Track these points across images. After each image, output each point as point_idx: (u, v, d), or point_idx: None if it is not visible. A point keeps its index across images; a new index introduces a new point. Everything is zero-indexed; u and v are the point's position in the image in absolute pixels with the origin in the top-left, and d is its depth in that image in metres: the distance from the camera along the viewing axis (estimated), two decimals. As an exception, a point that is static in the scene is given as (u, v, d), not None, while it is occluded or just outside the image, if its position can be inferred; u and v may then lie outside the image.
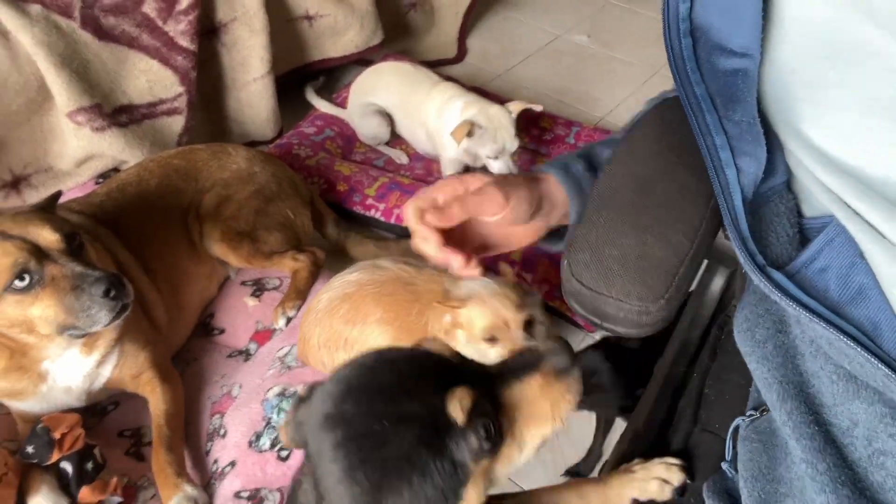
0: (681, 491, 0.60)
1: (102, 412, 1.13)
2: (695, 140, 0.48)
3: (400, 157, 1.77)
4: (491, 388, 0.44)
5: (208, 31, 1.58)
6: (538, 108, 1.55)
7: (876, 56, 0.38)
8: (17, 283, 0.86)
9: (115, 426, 1.11)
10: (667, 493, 0.59)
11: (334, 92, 1.94)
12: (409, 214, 0.56)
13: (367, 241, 1.53)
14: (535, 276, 1.47)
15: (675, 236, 0.49)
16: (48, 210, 1.00)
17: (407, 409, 0.42)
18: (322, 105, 1.85)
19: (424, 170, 1.73)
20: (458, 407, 0.41)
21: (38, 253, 0.88)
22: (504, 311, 0.98)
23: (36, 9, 1.34)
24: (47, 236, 0.89)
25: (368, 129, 1.75)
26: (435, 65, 2.13)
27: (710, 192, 0.49)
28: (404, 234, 1.55)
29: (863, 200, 0.42)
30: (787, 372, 0.48)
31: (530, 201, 0.57)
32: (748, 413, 0.55)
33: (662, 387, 0.67)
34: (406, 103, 1.68)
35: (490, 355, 0.98)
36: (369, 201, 1.59)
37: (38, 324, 0.90)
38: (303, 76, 1.89)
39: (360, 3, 1.82)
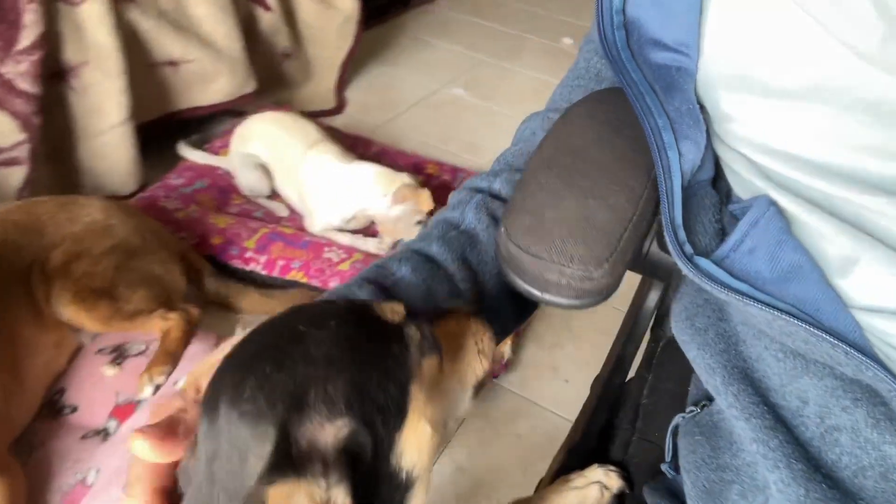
0: (619, 500, 0.57)
1: None
2: (631, 117, 0.46)
3: (279, 210, 1.66)
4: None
5: (54, 73, 1.42)
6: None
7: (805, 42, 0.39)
8: None
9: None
10: (606, 500, 0.56)
11: (206, 142, 1.81)
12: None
13: (251, 291, 1.39)
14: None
15: (617, 200, 0.45)
16: None
17: (329, 324, 0.34)
18: (196, 156, 1.71)
19: (307, 220, 1.63)
20: (391, 309, 0.37)
21: None
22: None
23: None
24: None
25: (247, 180, 1.63)
26: (315, 115, 2.06)
27: (649, 165, 0.47)
28: (288, 286, 1.43)
29: (804, 174, 0.41)
30: (730, 357, 0.46)
31: None
32: (688, 409, 0.53)
33: (599, 400, 0.62)
34: (281, 161, 1.60)
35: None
36: (248, 254, 1.46)
37: None
38: (170, 126, 1.75)
39: (228, 49, 1.72)
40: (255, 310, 1.37)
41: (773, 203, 0.42)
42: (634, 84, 0.47)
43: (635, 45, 0.48)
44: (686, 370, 0.54)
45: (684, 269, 0.43)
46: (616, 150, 0.49)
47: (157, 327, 1.17)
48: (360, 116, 2.15)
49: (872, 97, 0.37)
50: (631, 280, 0.59)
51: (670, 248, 0.43)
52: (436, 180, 1.80)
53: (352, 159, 1.56)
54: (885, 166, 0.38)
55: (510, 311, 0.53)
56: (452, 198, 0.57)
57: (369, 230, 1.60)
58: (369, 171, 1.49)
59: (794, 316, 0.39)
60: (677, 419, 0.53)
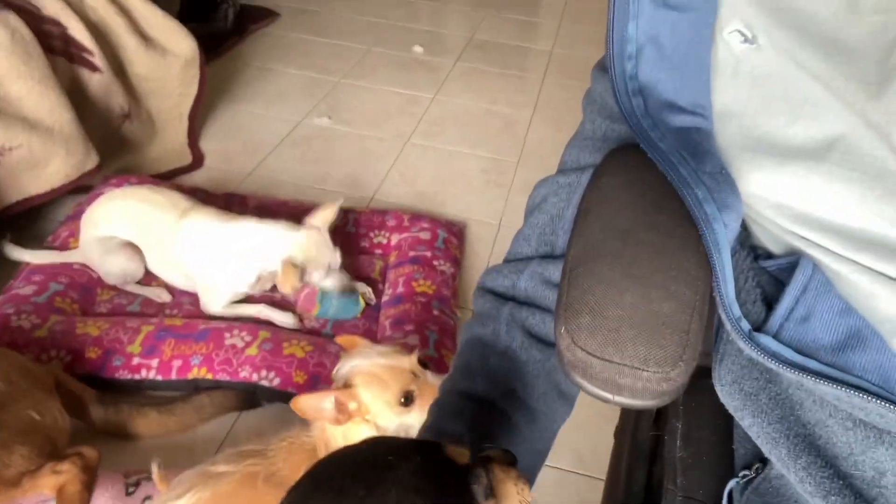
0: None
1: None
2: (666, 187, 0.45)
3: (161, 295, 1.47)
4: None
5: None
6: (337, 205, 1.40)
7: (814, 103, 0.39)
8: None
9: None
10: None
11: (48, 234, 1.56)
12: None
13: (148, 410, 1.22)
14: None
15: (678, 288, 0.43)
16: None
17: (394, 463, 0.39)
18: (35, 256, 1.47)
19: (194, 304, 1.46)
20: (459, 453, 0.43)
21: None
22: (397, 360, 0.90)
23: None
24: None
25: (114, 266, 1.42)
26: (170, 175, 1.86)
27: (696, 240, 0.44)
28: (189, 388, 1.27)
29: (838, 243, 0.40)
30: (790, 424, 0.45)
31: None
32: (741, 474, 0.52)
33: (631, 453, 0.59)
34: (149, 237, 1.41)
35: (411, 420, 0.89)
36: (136, 361, 1.28)
37: None
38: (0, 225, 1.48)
39: (59, 124, 1.49)
40: (155, 433, 1.20)
41: (816, 265, 0.42)
42: (664, 154, 0.45)
43: (653, 109, 0.46)
44: (719, 414, 0.54)
45: (747, 349, 0.42)
46: (663, 228, 0.46)
47: (49, 485, 0.98)
48: (223, 167, 1.97)
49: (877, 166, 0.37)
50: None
51: (728, 327, 0.42)
52: (325, 227, 1.68)
53: (233, 217, 1.41)
54: None
55: (557, 417, 0.56)
56: (476, 304, 0.58)
57: (278, 302, 1.47)
58: (260, 226, 1.36)
59: (867, 391, 0.38)
60: (731, 484, 0.52)
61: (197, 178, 1.90)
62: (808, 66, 0.39)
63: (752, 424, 0.47)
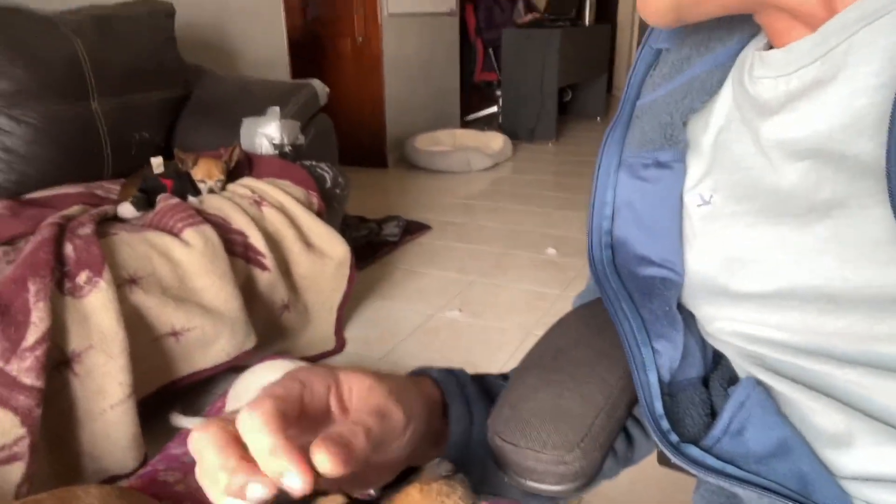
0: None
1: None
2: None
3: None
4: None
5: (59, 363, 1.48)
6: None
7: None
8: None
9: None
10: None
11: (206, 405, 1.82)
12: (260, 421, 0.34)
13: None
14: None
15: (589, 390, 0.49)
16: None
17: None
18: (193, 423, 1.71)
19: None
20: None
21: None
22: None
23: None
24: None
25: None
26: (316, 359, 2.11)
27: (627, 361, 0.49)
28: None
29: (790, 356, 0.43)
30: None
31: (429, 421, 0.48)
32: None
33: None
34: None
35: None
36: None
37: None
38: (168, 395, 1.77)
39: (230, 311, 1.81)
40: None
41: (758, 383, 0.44)
42: (613, 292, 0.51)
43: (621, 261, 0.53)
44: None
45: (669, 455, 0.44)
46: (595, 348, 0.52)
47: None
48: (360, 352, 2.19)
49: (832, 291, 0.39)
50: None
51: (653, 436, 0.45)
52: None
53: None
54: (856, 347, 0.39)
55: None
56: None
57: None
58: None
59: (778, 493, 0.39)
60: None
61: (336, 360, 2.13)
62: (755, 224, 0.43)
63: None
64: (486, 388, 0.57)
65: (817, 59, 0.38)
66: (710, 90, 0.50)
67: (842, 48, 0.36)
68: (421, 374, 0.55)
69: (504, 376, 0.59)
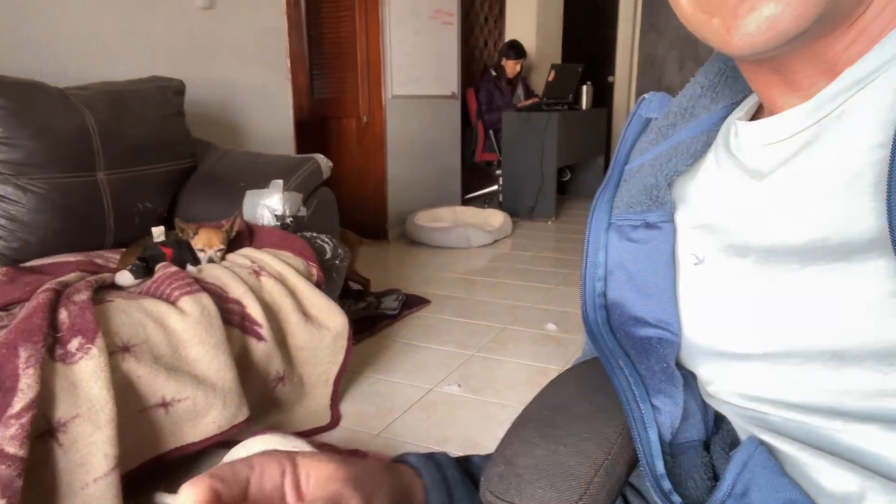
0: None
1: None
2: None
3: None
4: None
5: (44, 432, 1.43)
6: None
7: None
8: None
9: None
10: None
11: (195, 481, 1.75)
12: (193, 500, 0.36)
13: None
14: None
15: (587, 447, 0.47)
16: None
17: None
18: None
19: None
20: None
21: None
22: None
23: None
24: None
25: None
26: (309, 434, 2.04)
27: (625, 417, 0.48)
28: None
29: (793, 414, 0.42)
30: None
31: None
32: None
33: None
34: None
35: None
36: None
37: None
38: (152, 469, 1.70)
39: (223, 382, 1.77)
40: None
41: (760, 443, 0.43)
42: (609, 350, 0.51)
43: (616, 322, 0.53)
44: None
45: None
46: (595, 404, 0.51)
47: None
48: (356, 427, 2.13)
49: (837, 347, 0.39)
50: None
51: (655, 496, 0.44)
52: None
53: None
54: (865, 403, 0.38)
55: None
56: None
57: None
58: None
59: None
60: None
61: (330, 436, 2.06)
62: (750, 281, 0.43)
63: None
64: (470, 472, 0.57)
65: (811, 126, 0.39)
66: (695, 153, 0.51)
67: (835, 113, 0.38)
68: (400, 461, 0.54)
69: (490, 457, 0.58)
